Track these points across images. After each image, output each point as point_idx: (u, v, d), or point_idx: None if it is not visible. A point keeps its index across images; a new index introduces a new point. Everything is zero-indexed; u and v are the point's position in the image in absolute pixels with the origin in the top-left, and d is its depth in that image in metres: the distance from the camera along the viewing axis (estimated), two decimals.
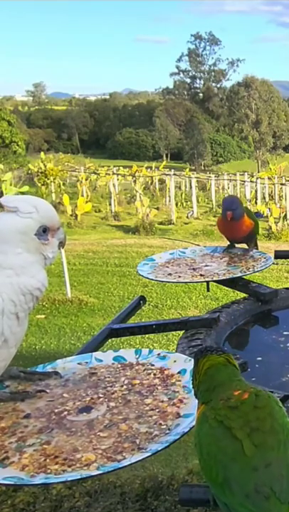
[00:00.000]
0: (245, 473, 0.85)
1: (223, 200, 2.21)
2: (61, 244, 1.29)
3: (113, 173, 20.29)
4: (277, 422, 0.91)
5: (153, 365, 1.37)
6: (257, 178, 21.20)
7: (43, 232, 1.23)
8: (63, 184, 19.72)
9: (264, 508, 0.84)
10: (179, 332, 1.84)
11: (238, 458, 0.86)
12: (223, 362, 1.00)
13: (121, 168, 26.07)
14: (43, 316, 6.47)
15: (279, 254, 2.36)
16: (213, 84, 68.96)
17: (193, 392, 1.04)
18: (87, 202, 15.35)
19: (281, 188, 18.57)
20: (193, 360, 1.05)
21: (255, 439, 0.87)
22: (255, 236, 2.28)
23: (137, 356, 1.42)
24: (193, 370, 1.03)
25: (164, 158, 52.33)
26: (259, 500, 0.84)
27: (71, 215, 14.59)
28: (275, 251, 2.35)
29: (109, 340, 1.80)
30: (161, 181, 22.06)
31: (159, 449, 1.03)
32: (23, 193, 15.42)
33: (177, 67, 69.83)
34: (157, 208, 16.24)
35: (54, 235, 1.27)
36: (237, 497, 0.85)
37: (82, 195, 16.88)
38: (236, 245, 2.30)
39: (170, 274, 2.02)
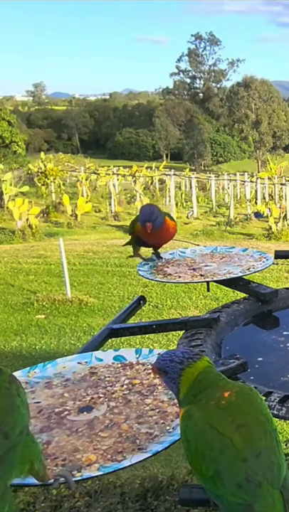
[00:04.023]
0: (235, 464, 0.89)
1: (140, 210, 2.07)
2: None
3: (113, 173, 20.29)
4: (261, 413, 0.96)
5: None
6: (257, 178, 21.20)
7: None
8: (63, 184, 19.71)
9: (257, 495, 0.88)
10: (179, 332, 1.84)
11: (227, 451, 0.90)
12: (207, 365, 1.01)
13: (121, 168, 26.07)
14: (43, 316, 6.47)
15: (279, 254, 2.36)
16: (213, 84, 68.91)
17: (176, 399, 1.03)
18: (87, 202, 15.35)
19: (281, 188, 18.57)
20: (173, 370, 1.01)
21: (243, 433, 0.91)
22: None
23: (138, 356, 1.42)
24: (176, 379, 1.00)
25: (164, 158, 52.39)
26: (251, 489, 0.88)
27: (71, 215, 14.58)
28: (275, 251, 2.35)
29: (110, 340, 1.80)
30: (161, 181, 22.05)
31: (160, 449, 1.03)
32: (23, 193, 15.44)
33: (177, 67, 69.82)
34: None
35: None
36: (228, 488, 0.89)
37: (82, 195, 16.88)
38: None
39: (170, 274, 2.02)
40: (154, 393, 1.25)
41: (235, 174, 25.23)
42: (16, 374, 1.29)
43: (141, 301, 2.05)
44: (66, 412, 1.19)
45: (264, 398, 1.06)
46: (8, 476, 0.88)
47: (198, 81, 69.49)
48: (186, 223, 14.97)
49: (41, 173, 18.37)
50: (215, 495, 0.92)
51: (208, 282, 2.08)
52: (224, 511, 0.92)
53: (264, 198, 20.32)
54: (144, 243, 2.18)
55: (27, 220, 12.39)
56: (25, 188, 15.78)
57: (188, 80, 69.60)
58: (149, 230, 1.99)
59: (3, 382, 0.92)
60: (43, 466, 0.94)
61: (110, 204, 16.19)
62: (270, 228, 12.85)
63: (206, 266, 2.10)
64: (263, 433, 0.93)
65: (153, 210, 2.04)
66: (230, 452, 0.89)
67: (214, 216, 16.89)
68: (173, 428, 1.10)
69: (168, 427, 1.11)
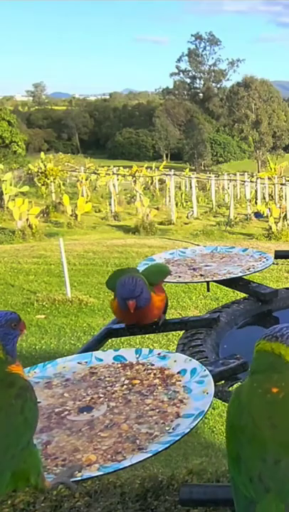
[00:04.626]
0: (254, 459, 0.89)
1: (119, 283, 1.59)
2: None
3: (113, 173, 20.29)
4: None
5: (153, 364, 1.37)
6: (257, 178, 21.21)
7: None
8: (63, 184, 19.71)
9: (261, 499, 0.88)
10: (179, 332, 1.84)
11: (253, 444, 0.90)
12: (269, 349, 0.99)
13: (121, 168, 26.08)
14: (43, 316, 6.47)
15: (279, 254, 2.35)
16: (213, 84, 68.91)
17: None
18: (87, 202, 15.35)
19: (281, 188, 18.57)
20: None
21: (273, 434, 0.90)
22: (167, 307, 1.80)
23: (138, 356, 1.42)
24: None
25: (164, 158, 52.41)
26: (259, 489, 0.88)
27: (71, 215, 14.58)
28: (275, 251, 2.35)
29: (110, 340, 1.80)
30: (161, 181, 22.06)
31: (160, 449, 1.03)
32: (23, 193, 15.45)
33: (177, 67, 69.83)
34: (157, 208, 16.23)
35: None
36: (242, 476, 0.89)
37: (82, 195, 16.87)
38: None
39: (170, 274, 2.02)
40: (154, 393, 1.25)
41: (235, 174, 25.24)
42: None
43: None
44: (66, 412, 1.19)
45: None
46: None
47: (198, 81, 69.54)
48: (186, 223, 14.98)
49: (41, 173, 18.38)
50: (231, 477, 0.93)
51: (208, 282, 2.08)
52: (232, 493, 0.93)
53: (264, 198, 20.33)
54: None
55: (27, 220, 12.39)
56: (25, 188, 15.79)
57: (188, 80, 69.66)
58: (132, 310, 1.56)
59: (8, 398, 0.91)
60: (41, 478, 0.92)
61: (110, 204, 16.19)
62: (270, 228, 12.84)
63: (206, 266, 2.10)
64: None
65: (135, 282, 1.57)
66: (255, 446, 0.90)
67: (214, 216, 16.88)
68: (173, 428, 1.10)
69: (168, 427, 1.11)
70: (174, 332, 2.92)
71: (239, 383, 1.00)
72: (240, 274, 1.99)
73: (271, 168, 22.71)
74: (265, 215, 15.49)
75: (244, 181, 19.59)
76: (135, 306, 1.56)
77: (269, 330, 1.01)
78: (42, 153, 22.48)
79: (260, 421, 0.91)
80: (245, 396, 0.95)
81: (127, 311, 1.57)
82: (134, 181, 19.85)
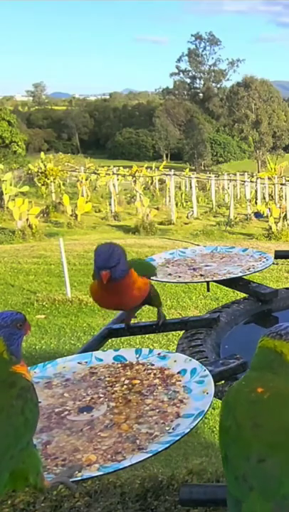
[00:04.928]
0: (239, 458, 0.89)
1: (95, 252, 1.43)
2: None
3: (113, 173, 20.29)
4: None
5: (153, 364, 1.37)
6: (257, 178, 21.21)
7: None
8: (63, 184, 19.72)
9: (245, 498, 0.88)
10: (179, 332, 1.84)
11: (237, 443, 0.90)
12: (271, 347, 0.98)
13: (121, 168, 26.08)
14: (43, 316, 6.47)
15: (279, 254, 2.35)
16: (213, 84, 68.92)
17: None
18: (87, 202, 15.35)
19: (281, 188, 18.57)
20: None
21: (256, 433, 0.90)
22: (157, 299, 1.62)
23: (138, 356, 1.42)
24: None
25: (164, 158, 52.40)
26: (244, 488, 0.88)
27: (71, 215, 14.58)
28: (275, 251, 2.35)
29: (110, 340, 1.80)
30: (161, 181, 22.07)
31: (160, 449, 1.03)
32: (23, 193, 15.45)
33: (177, 67, 69.84)
34: (157, 208, 16.24)
35: None
36: (229, 475, 0.90)
37: (82, 195, 16.88)
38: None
39: (170, 274, 2.02)
40: (154, 393, 1.25)
41: (235, 174, 25.24)
42: None
43: None
44: (66, 412, 1.19)
45: None
46: None
47: (198, 81, 69.56)
48: (186, 223, 14.98)
49: (41, 173, 18.39)
50: (224, 475, 0.94)
51: (208, 282, 2.08)
52: (226, 492, 0.93)
53: (264, 198, 20.33)
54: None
55: (27, 220, 12.39)
56: (25, 188, 15.79)
57: (188, 80, 69.68)
58: (105, 281, 1.36)
59: (10, 399, 0.91)
60: (40, 478, 0.92)
61: (110, 204, 16.19)
62: (270, 228, 12.85)
63: (206, 266, 2.10)
64: (281, 444, 0.89)
65: (111, 249, 1.40)
66: (239, 445, 0.90)
67: (214, 216, 16.89)
68: (173, 428, 1.10)
69: (168, 427, 1.11)
70: (174, 332, 2.92)
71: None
72: (240, 274, 1.99)
73: (271, 168, 22.71)
74: (265, 215, 15.49)
75: (244, 181, 19.59)
76: (109, 276, 1.36)
77: (274, 327, 1.01)
78: (42, 153, 22.50)
79: (242, 420, 0.91)
80: (232, 396, 0.96)
81: (101, 283, 1.37)
82: (134, 181, 19.85)
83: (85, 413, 1.19)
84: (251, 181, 20.29)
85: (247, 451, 0.89)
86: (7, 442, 0.88)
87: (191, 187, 18.91)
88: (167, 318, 1.78)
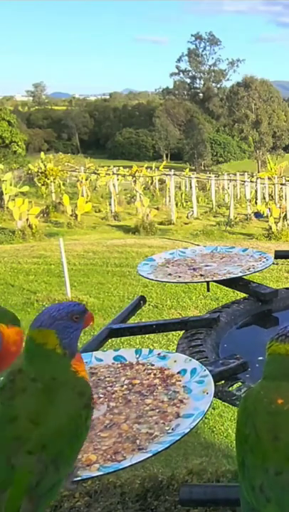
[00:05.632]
0: (257, 468, 0.89)
1: None
2: None
3: (113, 173, 20.29)
4: None
5: (153, 365, 1.37)
6: (257, 178, 21.21)
7: None
8: (63, 184, 19.72)
9: (262, 508, 0.87)
10: (179, 332, 1.84)
11: (255, 453, 0.89)
12: (283, 352, 0.94)
13: (121, 168, 26.07)
14: None
15: (279, 254, 2.36)
16: (213, 84, 68.90)
17: None
18: (87, 202, 15.35)
19: (281, 188, 18.57)
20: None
21: (276, 446, 0.88)
22: None
23: (138, 356, 1.42)
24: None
25: (164, 158, 52.40)
26: (260, 499, 0.87)
27: (71, 215, 14.58)
28: (275, 251, 2.35)
29: (110, 340, 1.80)
30: (161, 181, 22.06)
31: (160, 449, 1.03)
32: (23, 193, 15.45)
33: (177, 67, 69.81)
34: (157, 208, 16.23)
35: None
36: (245, 484, 0.90)
37: (82, 195, 16.87)
38: None
39: (170, 274, 2.02)
40: (154, 393, 1.25)
41: (235, 174, 25.23)
42: None
43: (141, 301, 2.04)
44: None
45: None
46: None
47: (198, 81, 69.53)
48: (186, 223, 14.98)
49: (41, 173, 18.38)
50: (239, 479, 0.93)
51: (208, 282, 2.08)
52: (239, 495, 0.93)
53: (264, 198, 20.32)
54: None
55: (27, 220, 12.39)
56: (25, 188, 15.79)
57: (188, 80, 69.65)
58: None
59: (79, 409, 0.90)
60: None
61: (110, 204, 16.18)
62: (270, 228, 12.84)
63: (206, 266, 2.10)
64: None
65: None
66: (257, 455, 0.89)
67: (214, 216, 16.88)
68: (173, 428, 1.10)
69: (168, 427, 1.11)
70: (174, 332, 2.92)
71: (240, 383, 0.98)
72: (240, 274, 1.99)
73: (271, 168, 22.71)
74: (265, 215, 15.49)
75: (244, 181, 19.59)
76: None
77: (280, 329, 0.97)
78: (42, 153, 22.51)
79: (262, 432, 0.90)
80: (251, 403, 0.94)
81: None
82: (134, 181, 19.85)
83: None
84: (251, 181, 20.29)
85: (266, 463, 0.88)
86: (76, 446, 0.89)
87: (191, 187, 18.90)
88: (167, 318, 1.78)
